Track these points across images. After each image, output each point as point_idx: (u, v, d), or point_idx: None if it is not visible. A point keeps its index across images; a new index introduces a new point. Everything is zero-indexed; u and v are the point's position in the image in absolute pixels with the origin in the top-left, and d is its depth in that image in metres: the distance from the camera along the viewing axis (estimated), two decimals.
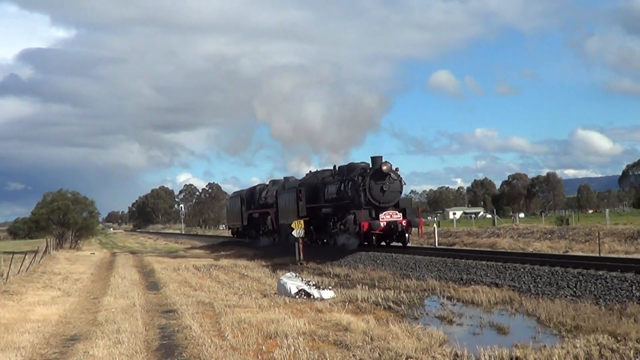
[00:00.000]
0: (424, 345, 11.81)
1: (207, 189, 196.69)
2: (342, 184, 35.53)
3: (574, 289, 17.38)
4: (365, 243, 33.62)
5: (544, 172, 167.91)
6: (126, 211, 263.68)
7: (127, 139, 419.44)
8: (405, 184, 33.72)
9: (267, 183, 53.75)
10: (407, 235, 33.41)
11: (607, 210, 60.86)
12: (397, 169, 33.21)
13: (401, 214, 32.76)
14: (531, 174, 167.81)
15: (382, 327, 13.84)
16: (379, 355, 11.30)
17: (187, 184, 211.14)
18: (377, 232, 32.49)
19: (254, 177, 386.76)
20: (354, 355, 11.40)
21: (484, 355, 10.91)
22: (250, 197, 55.79)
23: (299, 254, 33.70)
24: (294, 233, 34.53)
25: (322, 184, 39.07)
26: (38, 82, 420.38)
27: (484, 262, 22.49)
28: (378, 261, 28.07)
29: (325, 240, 39.84)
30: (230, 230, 69.91)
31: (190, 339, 13.33)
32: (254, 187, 56.28)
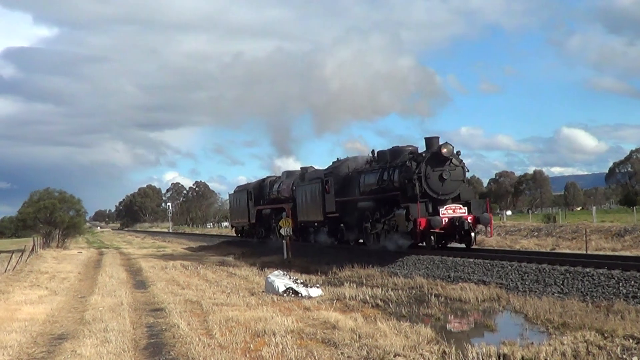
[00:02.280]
0: (412, 343, 11.82)
1: (194, 187, 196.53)
2: (385, 172, 29.19)
3: (561, 286, 17.46)
4: (421, 244, 27.46)
5: (530, 170, 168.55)
6: (113, 210, 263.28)
7: (112, 137, 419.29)
8: (468, 170, 27.53)
9: (279, 175, 47.79)
10: (473, 234, 27.00)
11: (594, 207, 61.15)
12: (458, 152, 26.98)
13: (466, 208, 26.67)
14: (517, 172, 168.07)
15: (369, 324, 13.84)
16: (367, 352, 11.31)
17: (174, 182, 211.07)
18: (437, 230, 26.13)
19: (241, 175, 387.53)
20: (342, 353, 11.39)
21: (472, 352, 10.93)
22: (259, 191, 49.96)
23: (287, 252, 33.67)
24: (282, 231, 34.52)
25: (355, 174, 32.99)
26: (20, 81, 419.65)
27: (472, 260, 22.55)
28: (365, 259, 28.08)
29: (361, 241, 33.75)
30: (233, 229, 61.55)
31: (178, 337, 13.30)
32: (263, 180, 50.31)
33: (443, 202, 26.51)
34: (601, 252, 27.33)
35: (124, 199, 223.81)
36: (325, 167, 37.13)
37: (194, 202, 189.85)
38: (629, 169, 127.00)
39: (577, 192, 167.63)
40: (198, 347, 11.99)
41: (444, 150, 26.21)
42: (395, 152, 29.80)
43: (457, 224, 26.04)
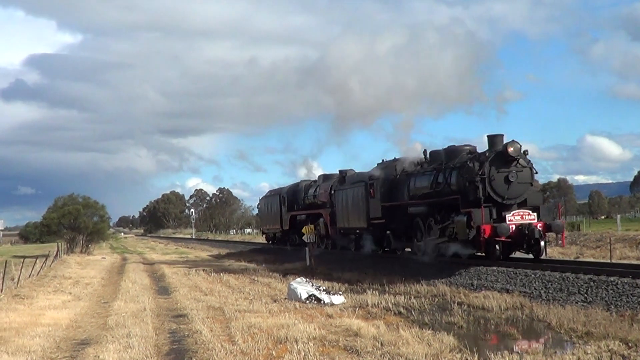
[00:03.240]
0: (434, 351, 11.80)
1: (217, 193, 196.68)
2: (440, 174, 26.43)
3: (585, 295, 17.33)
4: (480, 254, 25.16)
5: (554, 178, 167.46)
6: (137, 215, 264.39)
7: (135, 143, 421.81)
8: (537, 172, 24.71)
9: (315, 179, 45.15)
10: (543, 243, 23.88)
11: (619, 216, 60.63)
12: (525, 152, 24.20)
13: (535, 214, 23.92)
14: (541, 180, 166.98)
15: (392, 332, 13.82)
16: None
17: (197, 188, 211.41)
18: (504, 239, 23.37)
19: (264, 182, 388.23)
20: None
21: None
22: (293, 196, 46.88)
23: (310, 259, 33.60)
24: (304, 238, 34.47)
25: (404, 176, 30.05)
26: (44, 87, 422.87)
27: (495, 268, 22.41)
28: (388, 266, 28.01)
29: (409, 250, 30.54)
30: (264, 236, 58.22)
31: (200, 343, 13.34)
32: (298, 184, 47.38)
33: (508, 208, 23.86)
34: (626, 261, 27.07)
35: (147, 205, 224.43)
36: (370, 170, 33.91)
37: (217, 209, 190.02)
38: None
39: (602, 200, 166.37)
40: (220, 354, 12.02)
41: (511, 149, 23.54)
42: (452, 152, 27.10)
43: (526, 232, 23.32)
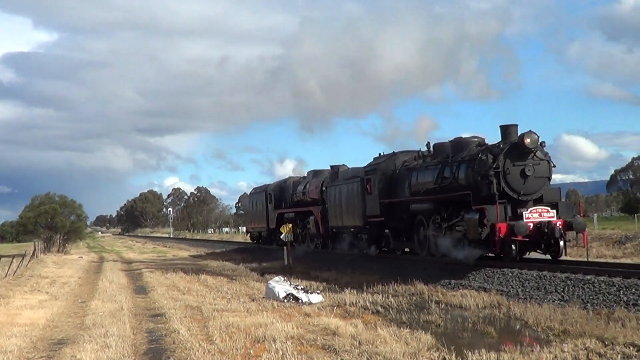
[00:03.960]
0: (412, 350, 11.82)
1: (195, 192, 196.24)
2: (447, 168, 24.61)
3: (562, 294, 17.43)
4: (490, 254, 23.37)
5: None
6: (114, 214, 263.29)
7: (112, 142, 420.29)
8: (555, 166, 22.71)
9: (303, 175, 43.85)
10: (562, 242, 22.04)
11: (595, 215, 61.05)
12: (542, 144, 22.22)
13: (554, 211, 22.13)
14: None
15: (370, 331, 13.84)
16: (367, 359, 11.31)
17: (175, 187, 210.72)
18: (520, 238, 21.34)
19: (241, 181, 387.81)
20: (342, 359, 11.40)
21: (472, 359, 10.93)
22: (280, 193, 45.30)
23: (288, 258, 33.58)
24: (282, 237, 34.40)
25: (404, 171, 28.18)
26: (20, 86, 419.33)
27: (472, 267, 22.49)
28: (366, 265, 28.03)
29: (408, 250, 29.25)
30: (248, 235, 56.14)
31: (178, 342, 13.29)
32: (285, 181, 45.78)
33: (524, 204, 22.13)
34: (602, 260, 27.29)
35: (125, 204, 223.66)
36: (365, 165, 31.73)
37: (195, 208, 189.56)
38: (630, 177, 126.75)
39: (579, 199, 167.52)
40: (198, 353, 11.98)
41: (528, 140, 21.63)
42: (459, 144, 25.12)
43: (545, 230, 21.50)
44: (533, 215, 21.77)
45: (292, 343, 12.74)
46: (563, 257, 22.58)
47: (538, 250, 22.88)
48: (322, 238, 37.84)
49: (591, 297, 16.62)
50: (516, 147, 22.02)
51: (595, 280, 17.57)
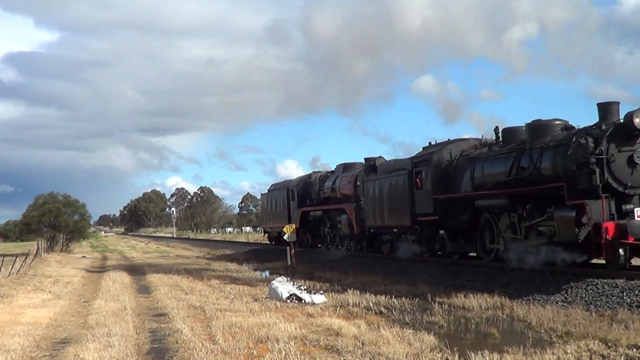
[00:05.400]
0: (415, 350, 11.82)
1: (198, 192, 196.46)
2: (524, 157, 20.59)
3: (565, 295, 17.38)
4: (587, 261, 19.55)
5: None
6: (117, 214, 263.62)
7: (114, 142, 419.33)
8: None
9: (331, 169, 39.96)
10: None
11: None
12: None
13: None
14: None
15: (373, 331, 13.83)
16: (370, 359, 11.31)
17: (178, 187, 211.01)
18: (631, 241, 17.16)
19: (244, 181, 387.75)
20: None
21: None
22: (304, 190, 41.62)
23: (291, 259, 33.48)
24: (286, 237, 34.23)
25: (464, 161, 24.13)
26: (21, 85, 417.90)
27: (475, 268, 22.46)
28: (369, 265, 27.99)
29: (463, 253, 25.04)
30: (266, 235, 52.15)
31: (181, 342, 13.30)
32: (310, 176, 42.27)
33: (629, 199, 18.19)
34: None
35: (128, 204, 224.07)
36: (414, 154, 27.51)
37: (198, 208, 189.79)
38: None
39: None
40: (201, 353, 11.99)
41: (637, 120, 17.50)
42: (537, 127, 21.02)
43: None
44: None
45: (294, 343, 12.74)
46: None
47: None
48: (356, 239, 34.06)
49: (594, 298, 16.53)
50: (622, 128, 18.04)
51: (598, 281, 17.47)
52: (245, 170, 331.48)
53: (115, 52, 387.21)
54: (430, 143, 27.02)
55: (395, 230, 28.63)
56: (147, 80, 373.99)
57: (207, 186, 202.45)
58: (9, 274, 29.04)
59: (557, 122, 20.71)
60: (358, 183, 32.99)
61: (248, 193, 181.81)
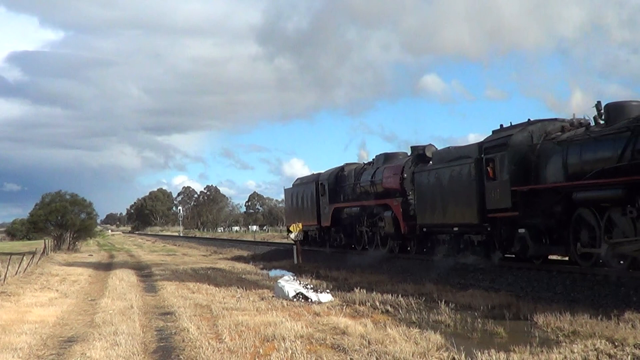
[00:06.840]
0: (422, 349, 11.81)
1: (205, 191, 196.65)
2: None
3: (572, 294, 17.34)
4: None
5: None
6: (124, 213, 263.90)
7: (119, 140, 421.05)
8: None
9: (368, 161, 35.57)
10: None
11: None
12: None
13: None
14: None
15: (379, 330, 13.82)
16: (376, 358, 11.31)
17: (185, 186, 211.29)
18: None
19: (250, 179, 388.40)
20: (351, 359, 11.40)
21: (481, 359, 10.91)
22: (336, 184, 37.46)
23: (297, 257, 33.48)
24: (293, 236, 34.17)
25: (550, 145, 20.11)
26: (26, 84, 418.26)
27: (482, 267, 22.43)
28: (376, 264, 27.95)
29: (565, 258, 21.05)
30: (289, 235, 42.55)
31: (187, 341, 13.31)
32: (342, 168, 37.87)
33: None
34: None
35: (135, 203, 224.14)
36: (484, 139, 23.74)
37: (204, 206, 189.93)
38: None
39: None
40: (207, 352, 12.00)
41: None
42: None
43: None
44: None
45: (301, 342, 12.74)
46: None
47: None
48: (402, 239, 30.17)
49: (601, 297, 16.54)
50: None
51: (605, 281, 17.45)
52: (251, 169, 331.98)
53: (120, 51, 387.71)
54: (502, 125, 23.24)
55: (455, 228, 24.68)
56: (152, 79, 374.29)
57: (213, 185, 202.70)
58: (16, 273, 29.09)
59: None
60: (405, 175, 29.24)
61: (254, 192, 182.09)
